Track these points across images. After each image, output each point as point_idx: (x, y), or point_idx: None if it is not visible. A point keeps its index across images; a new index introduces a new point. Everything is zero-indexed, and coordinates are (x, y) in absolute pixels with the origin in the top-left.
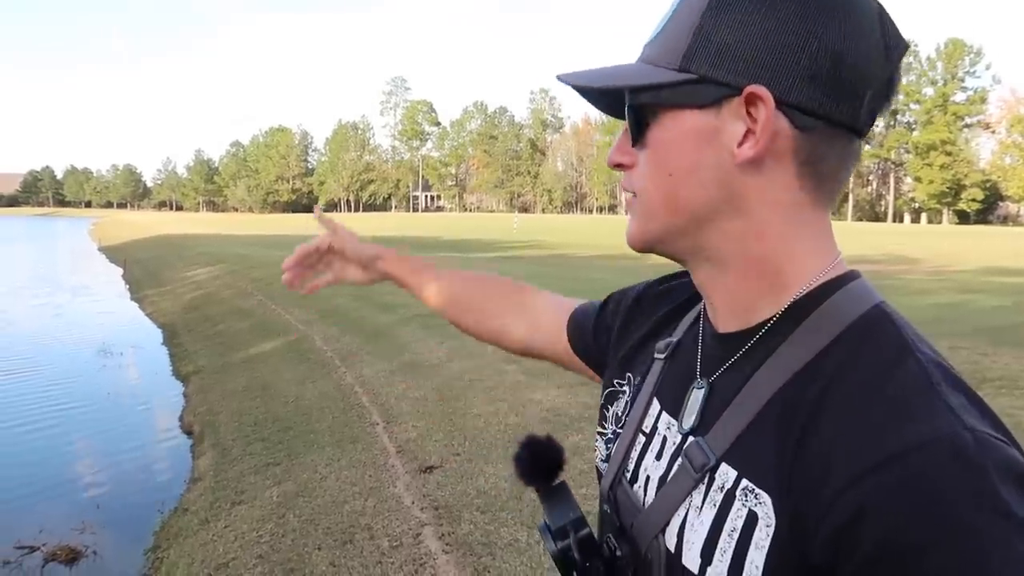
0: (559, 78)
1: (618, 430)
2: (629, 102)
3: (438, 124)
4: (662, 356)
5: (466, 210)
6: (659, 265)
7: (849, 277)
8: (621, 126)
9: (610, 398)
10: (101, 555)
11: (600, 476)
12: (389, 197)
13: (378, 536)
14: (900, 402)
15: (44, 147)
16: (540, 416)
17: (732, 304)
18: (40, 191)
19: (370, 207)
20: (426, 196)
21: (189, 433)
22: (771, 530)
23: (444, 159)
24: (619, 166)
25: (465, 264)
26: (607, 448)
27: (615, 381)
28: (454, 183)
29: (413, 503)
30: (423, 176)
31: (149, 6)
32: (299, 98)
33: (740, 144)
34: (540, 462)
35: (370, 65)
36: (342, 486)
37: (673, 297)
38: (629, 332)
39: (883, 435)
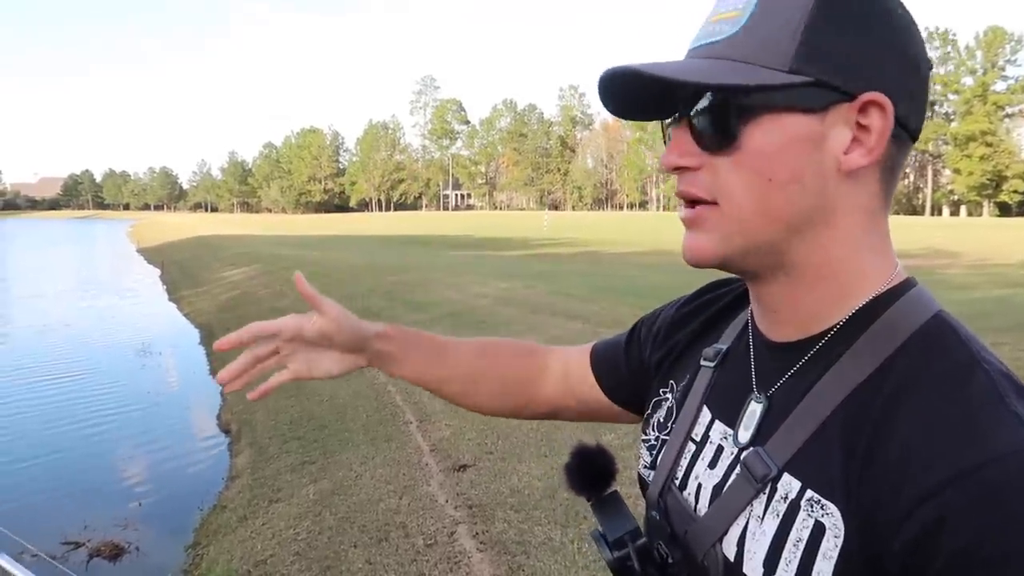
0: (618, 69)
1: (663, 437)
2: (722, 101)
3: (468, 123)
4: (711, 364)
5: (496, 208)
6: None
7: (909, 284)
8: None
9: (655, 407)
10: (143, 551)
11: (643, 483)
12: (420, 196)
13: (413, 534)
14: (972, 416)
15: (84, 151)
16: None
17: (796, 314)
18: (80, 194)
19: (401, 206)
20: (456, 195)
21: (227, 432)
22: (839, 540)
23: (474, 157)
24: (679, 169)
25: (499, 263)
26: (651, 455)
27: (660, 391)
28: (484, 181)
29: (447, 502)
30: (453, 175)
31: (182, 10)
32: (330, 99)
33: (848, 152)
34: (593, 471)
35: (399, 65)
36: (377, 484)
37: (711, 304)
38: (669, 346)
39: (958, 449)
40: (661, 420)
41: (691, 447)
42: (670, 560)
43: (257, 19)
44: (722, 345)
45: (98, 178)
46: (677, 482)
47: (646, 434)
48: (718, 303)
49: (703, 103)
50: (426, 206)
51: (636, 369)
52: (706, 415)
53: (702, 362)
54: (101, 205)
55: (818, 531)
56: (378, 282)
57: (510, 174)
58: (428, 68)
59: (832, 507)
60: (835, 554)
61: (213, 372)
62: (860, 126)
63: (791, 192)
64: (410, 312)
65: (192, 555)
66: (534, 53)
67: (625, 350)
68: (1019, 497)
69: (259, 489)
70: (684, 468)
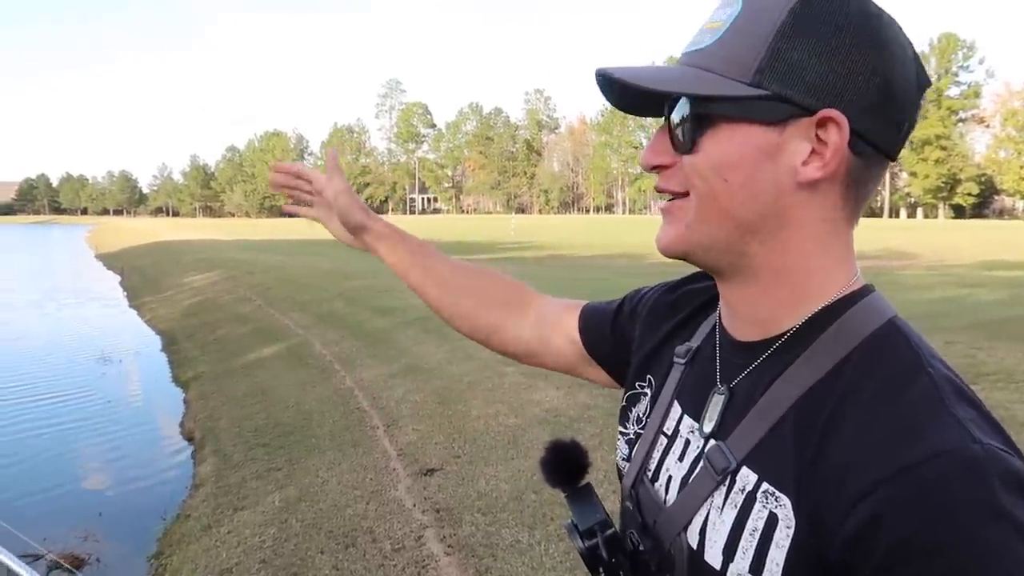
0: (603, 71)
1: (639, 431)
2: (688, 109)
3: (433, 126)
4: (683, 361)
5: (463, 212)
6: (663, 265)
7: (866, 291)
8: (648, 125)
9: (632, 400)
10: (105, 562)
11: (621, 474)
12: (386, 200)
13: (380, 539)
14: (912, 417)
15: (39, 155)
16: (539, 417)
17: (755, 314)
18: (36, 199)
19: None
20: (423, 198)
21: (190, 439)
22: (791, 531)
23: (440, 161)
24: (656, 168)
25: None
26: (628, 448)
27: (636, 384)
28: (450, 185)
29: (414, 506)
30: (419, 178)
31: (142, 9)
32: (294, 102)
33: (805, 163)
34: (566, 465)
35: (365, 68)
36: (344, 490)
37: (690, 300)
38: (648, 336)
39: (896, 448)
40: (640, 415)
41: (663, 441)
42: (641, 548)
43: (219, 20)
44: (693, 343)
45: (55, 182)
46: (649, 474)
47: (624, 427)
48: (696, 300)
49: (677, 107)
50: (392, 210)
51: (619, 337)
52: (676, 410)
53: (675, 359)
54: (58, 210)
55: (772, 521)
56: (343, 287)
57: (476, 177)
58: (394, 71)
59: (785, 499)
60: (787, 544)
61: (175, 380)
62: (819, 140)
63: (745, 196)
64: (377, 317)
65: (155, 565)
66: (499, 57)
67: (613, 318)
68: (951, 492)
69: (224, 497)
70: (656, 461)
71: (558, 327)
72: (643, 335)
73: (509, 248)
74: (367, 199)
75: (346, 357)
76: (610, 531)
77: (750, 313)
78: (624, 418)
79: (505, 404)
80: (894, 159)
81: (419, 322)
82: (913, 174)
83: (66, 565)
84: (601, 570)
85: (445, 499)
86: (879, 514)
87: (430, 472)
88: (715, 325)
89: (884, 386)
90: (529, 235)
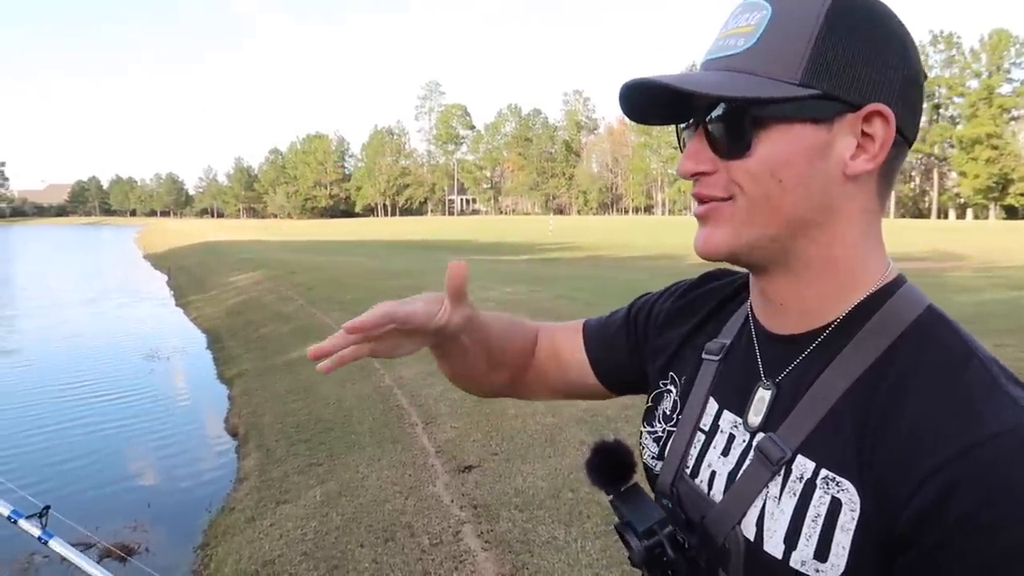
0: (645, 79)
1: (670, 428)
2: (734, 113)
3: (472, 127)
4: (716, 358)
5: (501, 213)
6: (702, 266)
7: (901, 281)
8: (671, 131)
9: (657, 399)
10: (153, 551)
11: (649, 472)
12: (425, 201)
13: (418, 534)
14: (970, 399)
15: (91, 158)
16: (577, 417)
17: (801, 306)
18: (87, 201)
19: (406, 211)
20: (461, 199)
21: (234, 435)
22: (855, 514)
23: (479, 162)
24: (696, 175)
25: (503, 268)
26: (657, 446)
27: (660, 382)
28: (489, 186)
29: (452, 502)
30: (458, 180)
31: (188, 19)
32: (335, 104)
33: (853, 158)
34: (614, 466)
35: (404, 70)
36: (383, 485)
37: (708, 299)
38: (668, 336)
39: (959, 429)
40: (667, 412)
41: (700, 437)
42: (686, 546)
43: (261, 28)
44: (724, 340)
45: (105, 185)
46: (688, 470)
47: (652, 426)
48: (717, 296)
49: (717, 112)
50: (431, 211)
51: (633, 353)
52: (713, 406)
53: (705, 356)
54: (108, 212)
55: (835, 507)
56: (384, 286)
57: (515, 179)
58: (433, 73)
59: (847, 483)
60: (852, 526)
61: (220, 376)
62: (864, 134)
63: (798, 194)
64: None
65: (201, 555)
66: (539, 58)
67: (624, 332)
68: (1013, 469)
69: (267, 491)
70: (695, 457)
71: (567, 359)
72: (661, 340)
73: (548, 248)
74: (406, 200)
75: None
76: (669, 529)
77: (795, 306)
78: (651, 417)
79: (542, 403)
80: (911, 146)
81: None
82: (963, 174)
83: (118, 553)
84: (656, 570)
85: (482, 495)
86: (945, 491)
87: (468, 469)
88: (746, 319)
89: (939, 371)
90: (568, 236)
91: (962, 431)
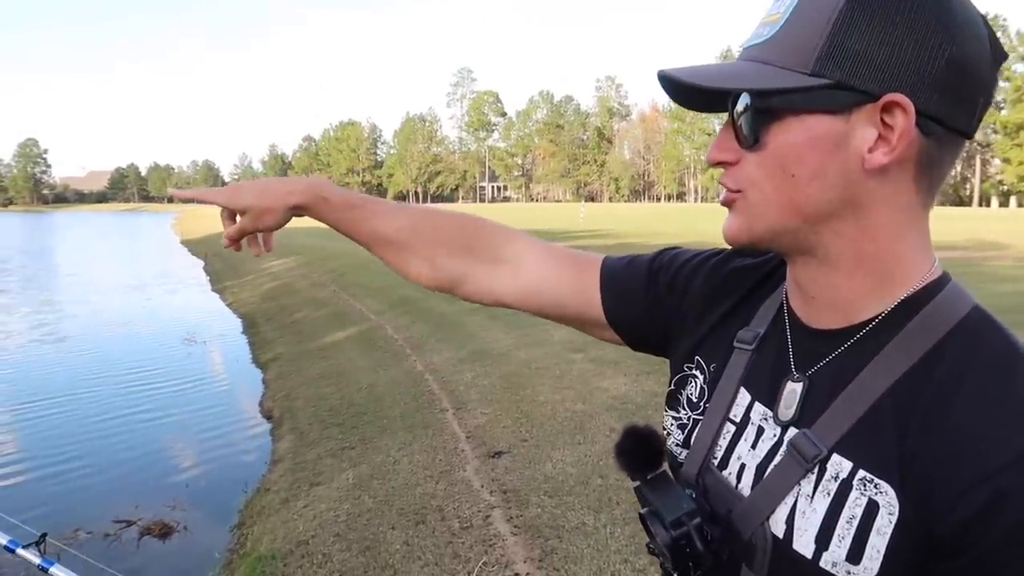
0: (664, 73)
1: (695, 416)
2: (749, 104)
3: (504, 114)
4: (749, 347)
5: (532, 200)
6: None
7: (946, 279)
8: (714, 120)
9: (680, 383)
10: (191, 530)
11: (672, 459)
12: (456, 188)
13: (449, 517)
14: (1022, 404)
15: (129, 145)
16: (607, 404)
17: (835, 300)
18: (126, 187)
19: (438, 198)
20: (493, 186)
21: (269, 417)
22: (893, 518)
23: (510, 149)
24: (720, 164)
25: None
26: (682, 433)
27: (685, 366)
28: (520, 173)
29: (482, 487)
30: (490, 166)
31: (224, 7)
32: (368, 92)
33: (871, 150)
34: (644, 452)
35: (436, 57)
36: (414, 469)
37: (742, 279)
38: (701, 316)
39: (1013, 434)
40: (692, 399)
41: (730, 428)
42: (710, 538)
43: (296, 15)
44: (758, 329)
45: (143, 171)
46: (716, 461)
47: (676, 412)
48: (748, 279)
49: (740, 104)
50: (463, 198)
51: (652, 302)
52: (744, 397)
53: (737, 344)
54: (146, 198)
55: (872, 509)
56: None
57: (546, 166)
58: (465, 60)
59: (886, 486)
60: (889, 530)
61: (255, 361)
62: (886, 125)
63: (812, 188)
64: (445, 303)
65: (237, 535)
66: (571, 44)
67: (646, 283)
68: None
69: (300, 473)
70: (724, 448)
71: (562, 280)
72: (693, 313)
73: (580, 236)
74: (438, 187)
75: (417, 341)
76: (698, 520)
77: (829, 299)
78: (675, 402)
79: (572, 390)
80: (971, 137)
81: (486, 309)
82: (1006, 160)
83: (156, 531)
84: (679, 561)
85: (512, 481)
86: (994, 500)
87: (498, 455)
88: (780, 308)
89: (989, 374)
90: (600, 223)
91: (1014, 437)
